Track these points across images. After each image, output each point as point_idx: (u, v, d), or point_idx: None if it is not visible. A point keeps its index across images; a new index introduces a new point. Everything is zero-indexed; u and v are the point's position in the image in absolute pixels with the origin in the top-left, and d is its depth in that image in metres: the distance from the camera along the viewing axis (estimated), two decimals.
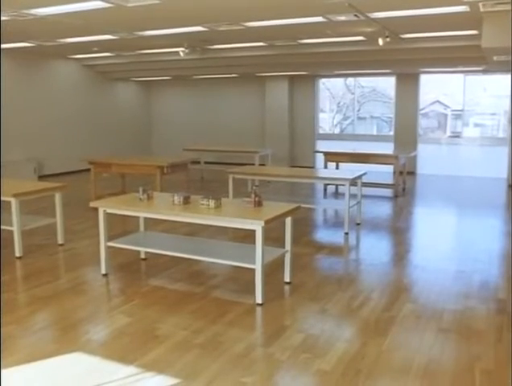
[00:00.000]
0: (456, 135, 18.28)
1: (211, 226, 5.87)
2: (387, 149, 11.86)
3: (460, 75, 13.94)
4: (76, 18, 6.48)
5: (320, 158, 10.56)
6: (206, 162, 11.96)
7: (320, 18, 6.56)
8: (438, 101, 19.27)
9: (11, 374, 3.18)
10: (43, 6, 5.90)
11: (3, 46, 9.72)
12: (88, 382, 3.09)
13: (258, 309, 4.21)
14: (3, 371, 3.19)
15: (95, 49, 10.06)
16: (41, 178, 10.96)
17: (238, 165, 9.02)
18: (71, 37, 8.46)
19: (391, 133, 13.83)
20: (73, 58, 12.04)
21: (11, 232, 5.55)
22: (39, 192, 5.97)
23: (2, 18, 6.45)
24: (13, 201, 5.48)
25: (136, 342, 3.60)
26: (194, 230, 6.50)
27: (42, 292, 4.58)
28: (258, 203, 4.62)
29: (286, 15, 6.49)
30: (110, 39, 8.41)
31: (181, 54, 9.18)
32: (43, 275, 5.05)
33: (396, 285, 4.87)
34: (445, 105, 19.39)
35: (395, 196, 9.44)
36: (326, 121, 19.60)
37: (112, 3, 5.63)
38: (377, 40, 7.47)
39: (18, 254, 5.55)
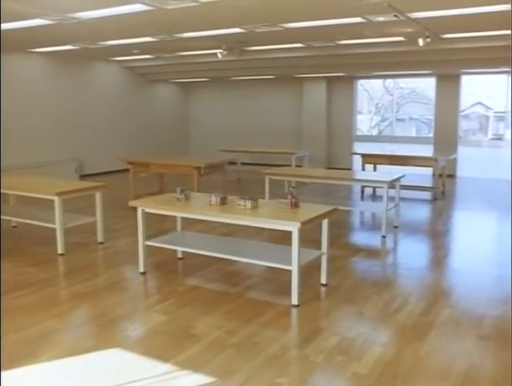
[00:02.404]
0: (498, 137, 17.84)
1: (247, 227, 5.90)
2: (426, 151, 11.68)
3: (504, 76, 13.60)
4: (117, 21, 6.62)
5: (358, 159, 10.46)
6: (243, 163, 12.01)
7: (358, 19, 6.50)
8: (480, 103, 18.85)
9: (52, 367, 3.28)
10: (86, 10, 6.06)
11: (48, 49, 10.02)
12: (126, 377, 3.16)
13: (294, 310, 4.21)
14: (45, 364, 3.30)
15: (135, 51, 10.25)
16: (82, 177, 11.23)
17: (275, 166, 9.03)
18: (112, 39, 8.65)
19: (431, 135, 13.63)
20: (114, 60, 12.30)
21: (54, 230, 5.72)
22: (81, 191, 6.14)
23: (48, 22, 6.65)
24: (56, 199, 5.64)
25: (172, 340, 3.65)
26: (230, 231, 6.54)
27: (82, 288, 4.70)
28: (295, 205, 4.62)
29: (325, 16, 6.46)
30: (150, 42, 8.56)
31: (219, 55, 9.26)
32: (84, 272, 5.18)
33: (434, 290, 4.79)
34: (487, 107, 18.96)
35: (434, 199, 9.27)
36: (364, 123, 19.43)
37: (152, 6, 5.73)
38: (417, 41, 7.36)
39: (60, 251, 5.71)
